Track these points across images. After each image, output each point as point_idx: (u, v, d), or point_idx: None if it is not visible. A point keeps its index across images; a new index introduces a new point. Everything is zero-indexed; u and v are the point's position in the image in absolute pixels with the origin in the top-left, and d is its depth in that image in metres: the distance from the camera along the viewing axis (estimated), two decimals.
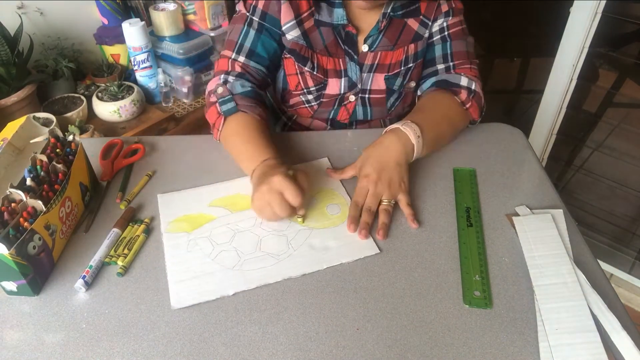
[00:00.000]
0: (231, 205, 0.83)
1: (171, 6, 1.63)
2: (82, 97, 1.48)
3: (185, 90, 1.66)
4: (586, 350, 0.60)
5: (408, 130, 0.83)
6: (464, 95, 0.93)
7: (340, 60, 0.97)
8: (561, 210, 0.80)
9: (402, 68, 0.98)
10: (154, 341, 0.63)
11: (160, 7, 1.63)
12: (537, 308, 0.65)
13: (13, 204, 0.68)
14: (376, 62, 0.98)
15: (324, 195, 0.85)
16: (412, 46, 0.97)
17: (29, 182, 0.71)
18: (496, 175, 0.89)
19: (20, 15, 1.41)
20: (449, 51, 0.97)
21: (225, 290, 0.69)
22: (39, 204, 0.69)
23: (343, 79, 0.99)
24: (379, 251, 0.74)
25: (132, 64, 1.57)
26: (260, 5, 0.92)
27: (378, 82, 1.00)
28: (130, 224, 0.79)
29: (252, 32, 0.94)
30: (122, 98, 1.49)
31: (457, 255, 0.74)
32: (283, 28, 0.93)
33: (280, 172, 0.74)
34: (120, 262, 0.72)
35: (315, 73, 0.97)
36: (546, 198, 0.84)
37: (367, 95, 1.01)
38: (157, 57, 1.64)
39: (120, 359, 0.61)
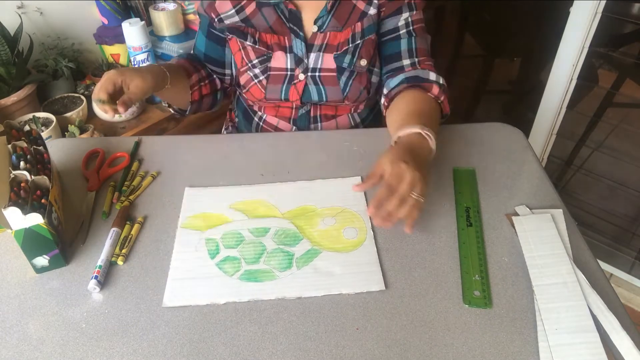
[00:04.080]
0: (250, 211, 0.82)
1: (171, 6, 1.63)
2: (82, 97, 1.48)
3: None
4: (586, 350, 0.61)
5: (430, 134, 0.80)
6: (436, 89, 0.95)
7: (286, 37, 0.99)
8: (561, 210, 0.80)
9: (350, 45, 0.99)
10: (154, 341, 0.63)
11: (160, 6, 1.63)
12: (536, 308, 0.66)
13: (23, 184, 0.70)
14: (325, 42, 1.00)
15: (344, 216, 0.80)
16: (358, 24, 0.98)
17: (22, 165, 0.72)
18: (496, 175, 0.89)
19: (20, 15, 1.41)
20: (414, 46, 0.99)
21: (217, 298, 0.68)
22: (44, 180, 0.72)
23: (288, 54, 1.00)
24: (384, 287, 0.69)
25: (132, 63, 1.57)
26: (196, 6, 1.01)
27: (327, 61, 1.01)
28: (128, 222, 0.79)
29: (201, 36, 1.03)
30: None
31: (456, 255, 0.74)
32: (222, 15, 0.98)
33: (118, 69, 0.83)
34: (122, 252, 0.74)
35: (257, 46, 0.99)
36: (546, 198, 0.84)
37: (317, 74, 1.01)
38: (157, 57, 1.64)
39: (120, 359, 0.61)
